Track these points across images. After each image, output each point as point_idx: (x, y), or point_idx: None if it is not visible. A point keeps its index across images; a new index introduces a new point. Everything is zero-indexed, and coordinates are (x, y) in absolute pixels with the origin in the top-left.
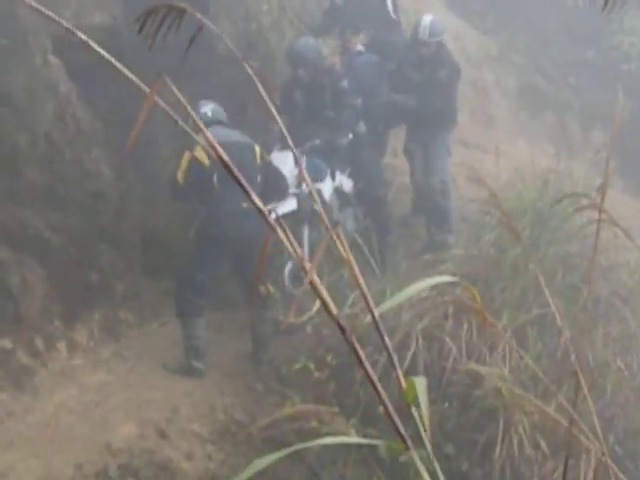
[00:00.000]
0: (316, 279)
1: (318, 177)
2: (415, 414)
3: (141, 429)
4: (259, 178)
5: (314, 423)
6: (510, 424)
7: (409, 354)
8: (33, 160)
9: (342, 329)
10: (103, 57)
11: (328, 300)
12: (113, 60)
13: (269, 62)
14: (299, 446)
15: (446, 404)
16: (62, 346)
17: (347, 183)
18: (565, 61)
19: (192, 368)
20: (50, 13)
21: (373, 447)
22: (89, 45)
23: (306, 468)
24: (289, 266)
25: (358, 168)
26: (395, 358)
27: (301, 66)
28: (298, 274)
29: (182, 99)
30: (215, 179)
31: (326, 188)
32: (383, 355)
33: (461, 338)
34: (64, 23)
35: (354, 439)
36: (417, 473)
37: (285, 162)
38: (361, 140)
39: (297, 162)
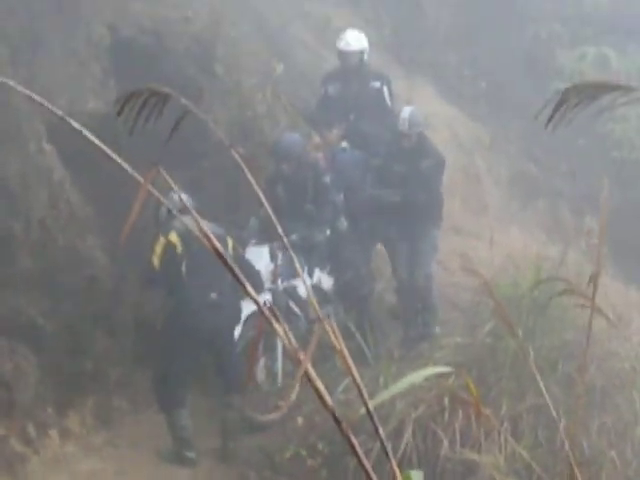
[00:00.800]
0: (310, 370)
1: (292, 273)
2: None
3: None
4: None
5: None
6: None
7: (403, 442)
8: (27, 246)
9: (338, 421)
10: (96, 144)
11: (323, 391)
12: (107, 149)
13: (263, 149)
14: None
15: None
16: (54, 433)
17: (326, 280)
18: (556, 148)
19: (185, 458)
20: (44, 101)
21: None
22: (83, 133)
23: None
24: (260, 364)
25: (340, 265)
26: (389, 449)
27: (285, 160)
28: (270, 371)
29: (175, 187)
30: (184, 268)
31: (302, 285)
32: (376, 443)
33: (455, 426)
34: (58, 112)
35: None
36: None
37: (260, 257)
38: (343, 236)
39: (273, 257)
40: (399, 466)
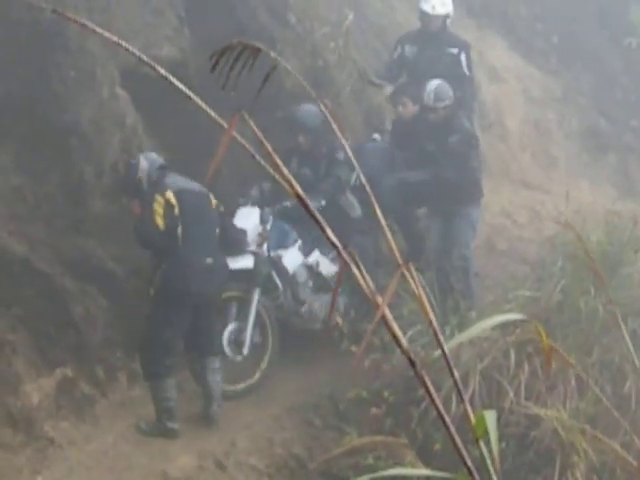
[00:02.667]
0: (388, 313)
1: (281, 243)
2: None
3: (199, 460)
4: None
5: (370, 459)
6: (567, 466)
7: (468, 393)
8: (98, 190)
9: (412, 363)
10: (173, 89)
11: (399, 333)
12: (191, 93)
13: (335, 99)
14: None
15: (503, 444)
16: (123, 376)
17: (327, 267)
18: (628, 103)
19: (167, 429)
20: (122, 43)
21: None
22: (160, 76)
23: None
24: (229, 328)
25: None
26: (461, 387)
27: (301, 133)
28: (238, 339)
29: (259, 133)
30: (180, 231)
31: (289, 257)
32: (440, 394)
33: (520, 379)
34: (136, 52)
35: (422, 471)
36: None
37: (249, 217)
38: (355, 225)
39: (263, 220)
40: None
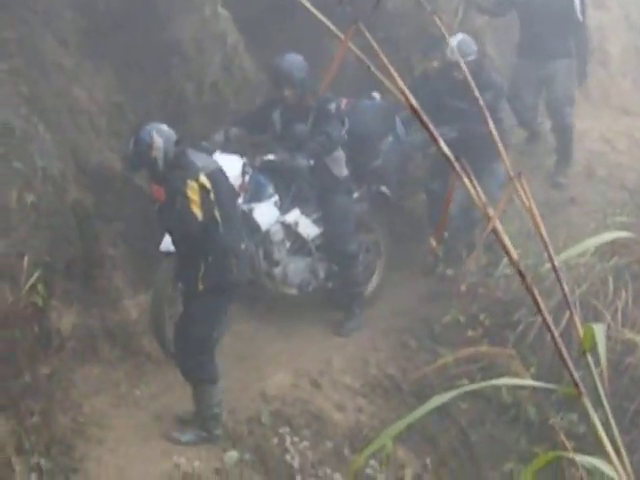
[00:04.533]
0: (498, 226)
1: (254, 196)
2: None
3: (295, 379)
4: None
5: (465, 380)
6: None
7: (565, 317)
8: (199, 108)
9: (522, 275)
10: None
11: (510, 246)
12: (308, 4)
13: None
14: (468, 387)
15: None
16: None
17: (308, 228)
18: None
19: (213, 437)
20: None
21: (521, 409)
22: None
23: (455, 426)
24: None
25: (329, 215)
26: (572, 305)
27: (287, 86)
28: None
29: (375, 45)
30: (217, 216)
31: (262, 212)
32: (537, 317)
33: (617, 306)
34: None
35: (529, 382)
36: (568, 435)
37: (231, 167)
38: (340, 185)
39: (244, 172)
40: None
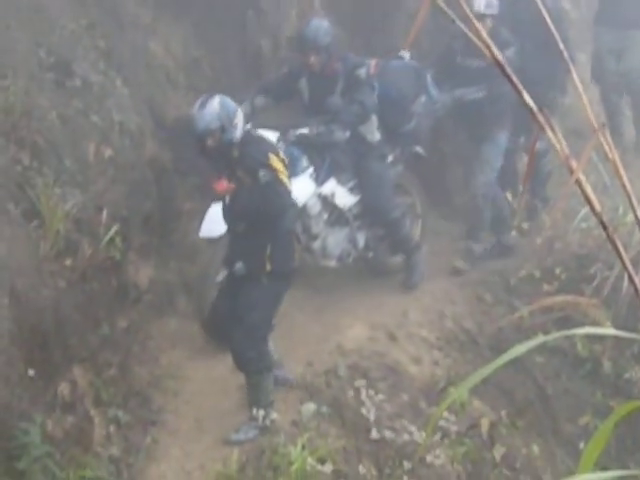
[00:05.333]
0: (581, 177)
1: (289, 171)
2: None
3: (371, 332)
4: None
5: (540, 334)
6: None
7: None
8: (274, 63)
9: (604, 226)
10: None
11: (593, 197)
12: None
13: None
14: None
15: None
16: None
17: (345, 198)
18: None
19: (266, 426)
20: None
21: (598, 363)
22: None
23: (531, 380)
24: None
25: (365, 182)
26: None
27: (313, 52)
28: None
29: None
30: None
31: (298, 186)
32: (612, 271)
33: None
34: None
35: (612, 331)
36: None
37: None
38: (373, 150)
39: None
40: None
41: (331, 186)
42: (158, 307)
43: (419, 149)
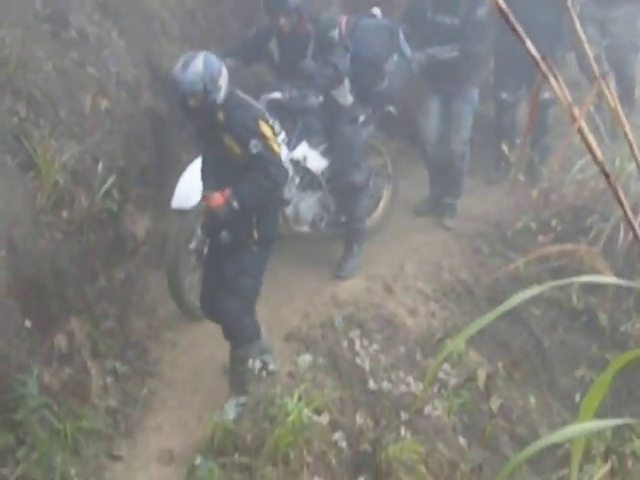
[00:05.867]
0: (583, 125)
1: None
2: None
3: (367, 283)
4: None
5: (536, 285)
6: None
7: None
8: None
9: (606, 174)
10: None
11: (594, 145)
12: None
13: None
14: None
15: None
16: None
17: (317, 161)
18: None
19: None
20: None
21: (594, 315)
22: None
23: (527, 332)
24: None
25: (335, 145)
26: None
27: (282, 14)
28: None
29: None
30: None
31: None
32: (607, 224)
33: None
34: None
35: (612, 279)
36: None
37: None
38: (345, 114)
39: None
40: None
41: (303, 150)
42: (155, 259)
43: (391, 109)
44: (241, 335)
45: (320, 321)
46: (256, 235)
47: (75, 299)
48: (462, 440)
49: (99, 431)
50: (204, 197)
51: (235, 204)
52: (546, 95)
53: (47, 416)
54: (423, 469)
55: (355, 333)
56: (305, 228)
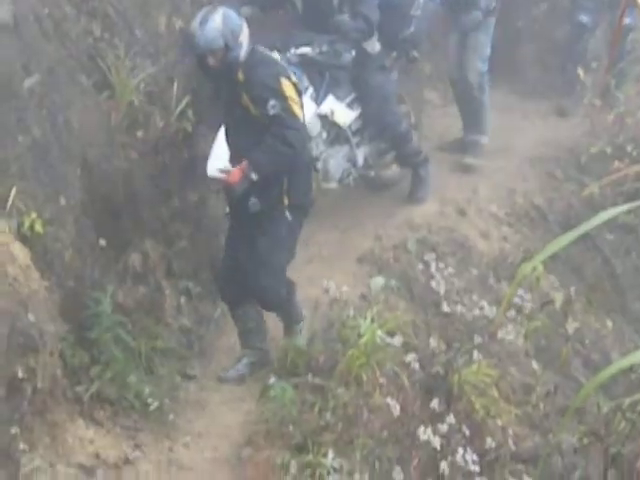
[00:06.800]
0: None
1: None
2: None
3: (441, 207)
4: None
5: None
6: None
7: None
8: None
9: None
10: None
11: None
12: None
13: None
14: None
15: None
16: None
17: (344, 114)
18: None
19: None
20: None
21: None
22: None
23: (600, 257)
24: None
25: (367, 95)
26: None
27: None
28: None
29: None
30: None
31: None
32: None
33: None
34: None
35: None
36: None
37: None
38: (374, 61)
39: None
40: None
41: (330, 104)
42: None
43: (415, 53)
44: (280, 305)
45: (392, 244)
46: (286, 201)
47: (149, 219)
48: (535, 364)
49: (173, 350)
50: (222, 172)
51: (253, 175)
52: (627, 20)
53: (121, 335)
54: (495, 392)
55: (430, 256)
56: (333, 184)
